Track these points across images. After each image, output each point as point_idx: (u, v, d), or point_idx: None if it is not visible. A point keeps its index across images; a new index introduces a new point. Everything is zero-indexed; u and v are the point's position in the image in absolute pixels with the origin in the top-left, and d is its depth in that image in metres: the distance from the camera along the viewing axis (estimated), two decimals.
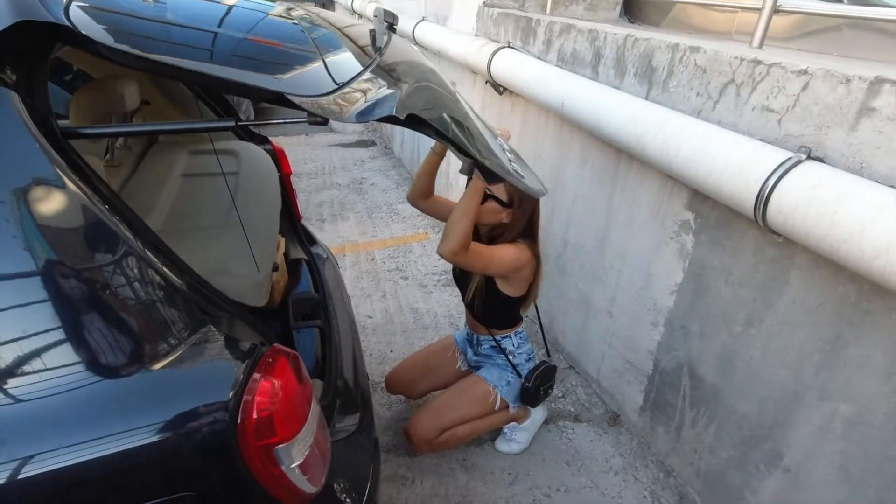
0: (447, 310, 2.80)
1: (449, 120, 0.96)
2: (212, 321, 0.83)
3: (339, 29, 1.14)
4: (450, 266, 3.17)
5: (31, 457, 0.67)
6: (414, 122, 0.84)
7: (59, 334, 0.69)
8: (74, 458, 0.68)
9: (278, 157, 1.77)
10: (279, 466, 0.81)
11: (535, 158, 2.44)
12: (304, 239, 1.92)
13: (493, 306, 1.72)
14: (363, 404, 1.35)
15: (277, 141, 1.78)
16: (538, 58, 2.31)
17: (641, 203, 1.81)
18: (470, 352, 1.94)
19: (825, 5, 1.75)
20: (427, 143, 4.04)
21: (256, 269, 1.11)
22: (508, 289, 1.66)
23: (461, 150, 0.96)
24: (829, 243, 1.04)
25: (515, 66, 2.30)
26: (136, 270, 0.76)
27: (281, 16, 1.12)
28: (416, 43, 3.76)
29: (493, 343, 1.81)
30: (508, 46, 2.48)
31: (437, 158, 1.65)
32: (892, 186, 1.04)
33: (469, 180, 1.42)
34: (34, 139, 0.69)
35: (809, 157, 1.16)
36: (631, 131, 1.57)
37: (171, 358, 0.75)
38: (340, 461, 1.09)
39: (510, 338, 1.80)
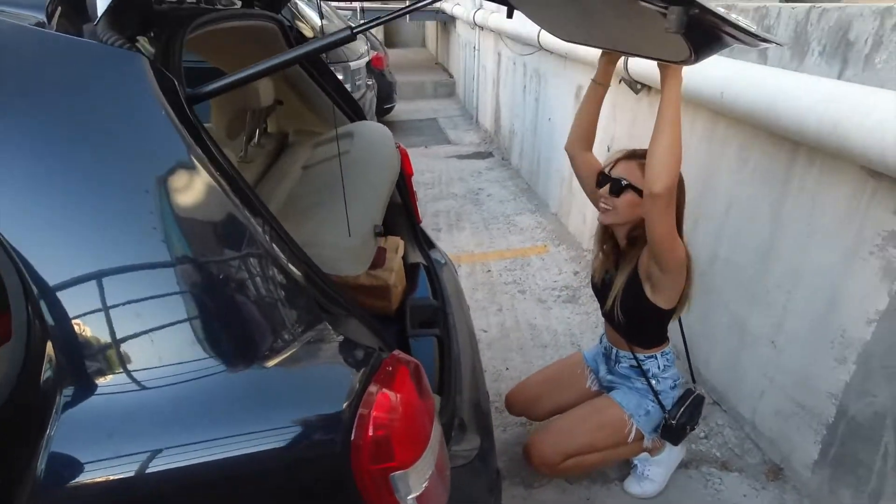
0: (567, 327, 2.57)
1: None
2: (328, 319, 0.72)
3: None
4: (570, 281, 2.94)
5: (135, 454, 0.60)
6: None
7: (173, 326, 0.62)
8: (176, 461, 0.61)
9: (401, 157, 1.70)
10: (395, 496, 0.68)
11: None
12: (424, 243, 1.84)
13: (638, 318, 1.47)
14: (484, 426, 1.19)
15: None
16: None
17: (826, 208, 1.48)
18: (604, 369, 1.69)
19: None
20: (547, 154, 3.85)
21: (348, 233, 1.01)
22: (658, 297, 1.40)
23: None
24: None
25: None
26: (256, 259, 0.68)
27: None
28: (542, 47, 3.61)
29: (635, 363, 1.56)
30: None
31: (600, 90, 1.40)
32: None
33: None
34: (161, 108, 0.64)
35: None
36: (823, 116, 1.27)
37: (282, 357, 0.66)
38: (458, 493, 0.94)
39: (655, 358, 1.53)
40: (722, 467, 1.79)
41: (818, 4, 1.48)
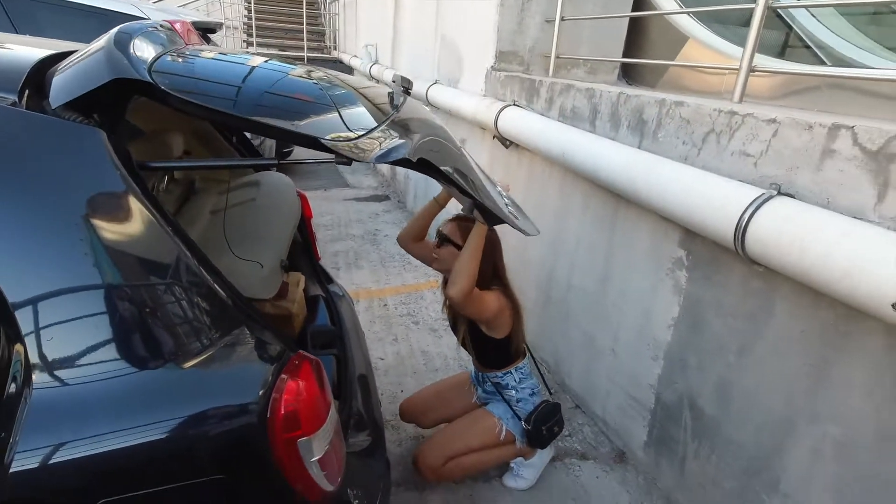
0: (457, 353, 2.87)
1: (453, 167, 1.12)
2: (246, 325, 0.94)
3: (361, 91, 1.31)
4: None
5: (84, 439, 0.77)
6: (424, 166, 0.99)
7: (123, 331, 0.81)
8: (123, 441, 0.79)
9: (301, 201, 1.94)
10: (301, 459, 0.90)
11: (541, 207, 2.59)
12: (323, 277, 2.06)
13: (484, 350, 1.83)
14: (374, 426, 1.43)
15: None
16: (541, 114, 2.51)
17: (639, 244, 1.93)
18: (479, 389, 2.02)
19: (797, 66, 1.93)
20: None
21: (260, 266, 1.25)
22: (493, 332, 1.77)
23: (463, 192, 1.11)
24: (801, 269, 1.15)
25: (520, 122, 2.50)
26: (188, 281, 0.89)
27: (314, 79, 1.29)
28: (429, 103, 4.04)
29: (496, 380, 1.89)
30: (514, 104, 2.69)
31: (437, 207, 1.80)
32: (854, 217, 1.16)
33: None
34: (117, 170, 0.85)
35: (780, 193, 1.28)
36: (626, 176, 1.71)
37: (208, 356, 0.87)
38: (354, 472, 1.17)
39: (511, 374, 1.87)
40: (581, 458, 2.15)
41: (625, 90, 1.98)
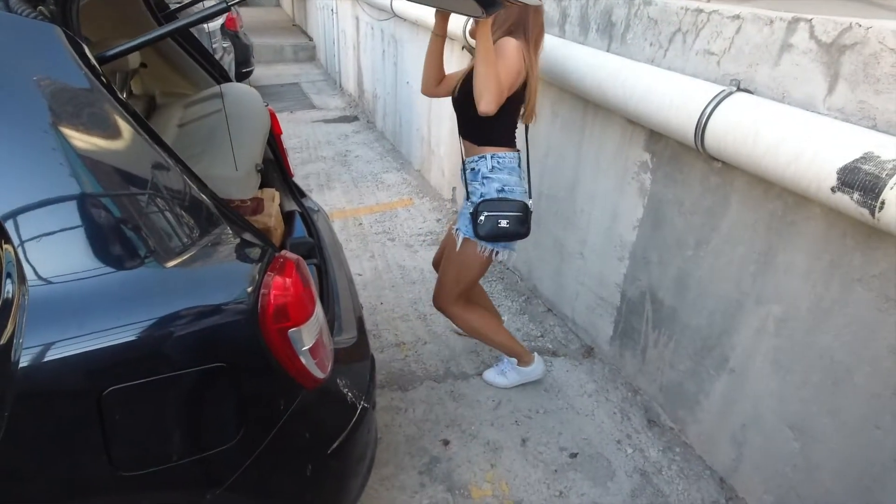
0: (432, 266, 2.96)
1: None
2: (228, 225, 0.98)
3: None
4: (433, 227, 3.34)
5: (103, 331, 0.82)
6: None
7: (102, 231, 0.84)
8: (120, 334, 0.83)
9: (270, 116, 1.90)
10: (293, 347, 0.98)
11: None
12: (297, 193, 2.07)
13: (472, 103, 1.51)
14: (359, 326, 1.51)
15: None
16: None
17: (606, 149, 1.98)
18: (461, 180, 1.83)
19: None
20: (408, 116, 4.17)
21: (235, 168, 1.27)
22: None
23: None
24: (753, 159, 1.22)
25: None
26: (167, 181, 0.91)
27: None
28: (395, 14, 3.86)
29: (470, 167, 1.70)
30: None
31: (439, 40, 1.68)
32: (805, 109, 1.22)
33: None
34: (79, 67, 0.83)
35: (739, 90, 1.33)
36: (593, 79, 1.73)
37: (191, 255, 0.90)
38: (342, 365, 1.26)
39: (486, 159, 1.64)
40: (552, 354, 2.32)
41: None
